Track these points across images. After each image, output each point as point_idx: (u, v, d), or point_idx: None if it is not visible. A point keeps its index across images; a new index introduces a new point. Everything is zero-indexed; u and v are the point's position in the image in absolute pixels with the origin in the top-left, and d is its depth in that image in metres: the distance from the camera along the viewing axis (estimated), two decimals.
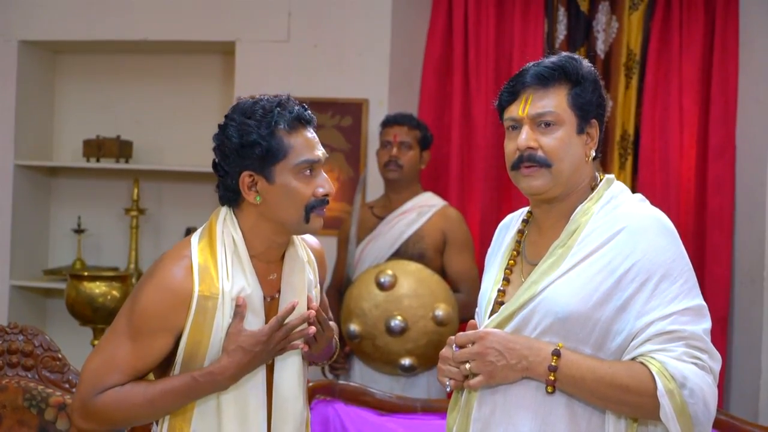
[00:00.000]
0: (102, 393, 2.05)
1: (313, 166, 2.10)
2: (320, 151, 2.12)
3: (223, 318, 2.08)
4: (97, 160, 4.92)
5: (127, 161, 4.95)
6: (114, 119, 5.11)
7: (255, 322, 2.11)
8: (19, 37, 4.88)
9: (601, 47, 4.46)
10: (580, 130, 2.01)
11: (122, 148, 4.92)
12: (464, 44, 4.53)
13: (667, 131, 4.34)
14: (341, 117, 4.57)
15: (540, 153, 1.98)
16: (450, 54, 4.57)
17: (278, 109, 2.08)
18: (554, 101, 1.99)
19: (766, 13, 4.26)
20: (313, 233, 2.19)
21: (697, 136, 4.35)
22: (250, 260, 2.12)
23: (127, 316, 2.09)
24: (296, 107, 2.11)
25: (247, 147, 2.06)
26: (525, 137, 1.99)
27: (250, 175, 2.08)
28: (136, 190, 4.90)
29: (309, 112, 2.14)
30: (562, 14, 4.48)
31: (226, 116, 2.13)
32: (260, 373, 2.12)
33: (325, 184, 2.12)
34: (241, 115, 2.09)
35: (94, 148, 4.91)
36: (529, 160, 1.99)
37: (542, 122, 1.99)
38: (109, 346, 2.08)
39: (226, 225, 2.13)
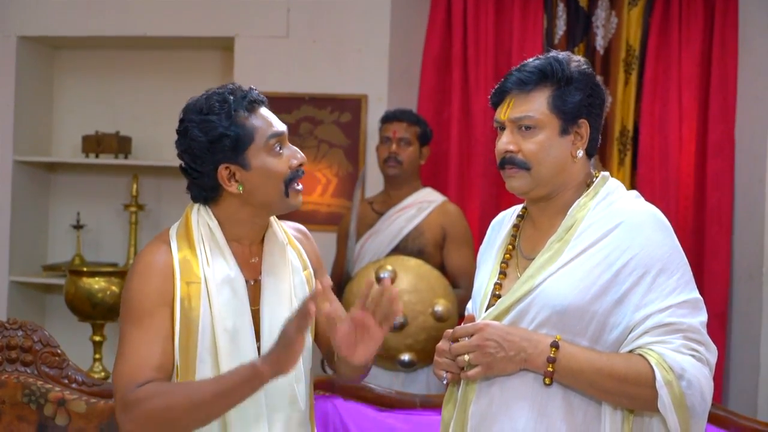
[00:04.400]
0: (141, 386, 2.00)
1: (281, 139, 2.13)
2: (281, 124, 2.15)
3: (210, 304, 2.09)
4: (96, 156, 4.92)
5: (126, 157, 4.95)
6: (113, 115, 5.10)
7: (239, 306, 2.12)
8: (18, 33, 4.88)
9: (600, 43, 4.46)
10: (564, 132, 2.02)
11: (121, 144, 4.92)
12: (463, 40, 4.53)
13: (667, 127, 4.34)
14: (340, 113, 4.57)
15: (519, 156, 2.02)
16: (449, 50, 4.57)
17: (231, 96, 2.11)
18: (534, 105, 2.01)
19: (766, 9, 4.26)
20: (296, 208, 2.18)
21: (696, 132, 4.35)
22: (229, 245, 2.15)
23: (126, 312, 2.09)
24: (246, 91, 2.14)
25: (215, 142, 2.08)
26: (504, 141, 2.04)
27: (227, 167, 2.10)
28: (135, 186, 4.90)
29: (258, 93, 2.16)
30: (561, 10, 4.48)
31: (181, 120, 2.15)
32: (251, 355, 2.11)
33: (296, 154, 2.15)
34: (198, 113, 2.11)
35: (93, 143, 4.90)
36: (509, 162, 2.03)
37: (522, 126, 2.02)
38: (125, 348, 2.07)
39: (200, 215, 2.16)
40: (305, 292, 2.22)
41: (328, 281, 2.04)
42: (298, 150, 2.16)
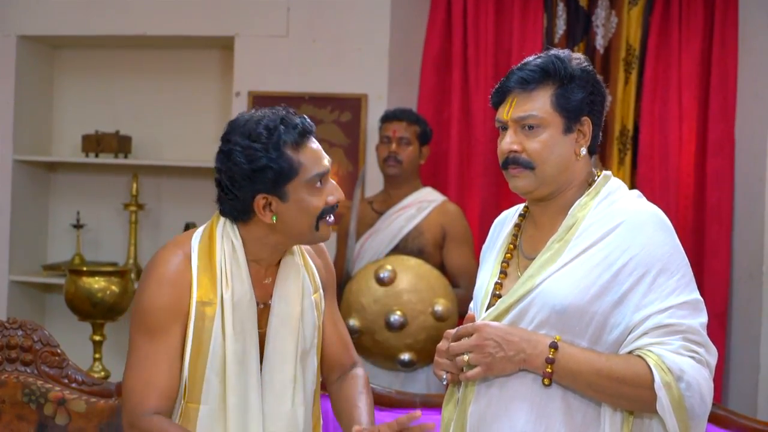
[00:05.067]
0: (152, 416, 2.03)
1: (323, 177, 2.09)
2: (327, 160, 2.11)
3: (222, 326, 2.07)
4: (96, 155, 4.92)
5: (126, 156, 4.95)
6: (113, 114, 5.10)
7: (249, 330, 2.11)
8: (18, 32, 4.88)
9: (600, 42, 4.46)
10: (568, 130, 2.01)
11: (121, 143, 4.92)
12: (463, 39, 4.53)
13: (667, 126, 4.34)
14: (340, 112, 4.57)
15: (524, 156, 2.01)
16: (449, 49, 4.57)
17: (282, 126, 2.04)
18: (537, 104, 2.00)
19: (766, 9, 4.26)
20: (324, 240, 2.16)
21: (696, 131, 4.35)
22: (248, 265, 2.12)
23: (138, 322, 2.08)
24: (297, 120, 2.07)
25: (258, 172, 2.03)
26: (508, 140, 2.02)
27: (264, 198, 2.06)
28: (135, 185, 4.90)
29: (309, 120, 2.11)
30: (561, 9, 4.48)
31: (227, 139, 2.07)
32: (254, 378, 2.13)
33: (334, 192, 2.11)
34: (245, 138, 2.04)
35: (93, 143, 4.90)
36: (513, 162, 2.02)
37: (525, 125, 2.01)
38: (136, 361, 2.07)
39: (225, 231, 2.12)
40: (313, 316, 2.20)
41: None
42: (338, 187, 2.12)
